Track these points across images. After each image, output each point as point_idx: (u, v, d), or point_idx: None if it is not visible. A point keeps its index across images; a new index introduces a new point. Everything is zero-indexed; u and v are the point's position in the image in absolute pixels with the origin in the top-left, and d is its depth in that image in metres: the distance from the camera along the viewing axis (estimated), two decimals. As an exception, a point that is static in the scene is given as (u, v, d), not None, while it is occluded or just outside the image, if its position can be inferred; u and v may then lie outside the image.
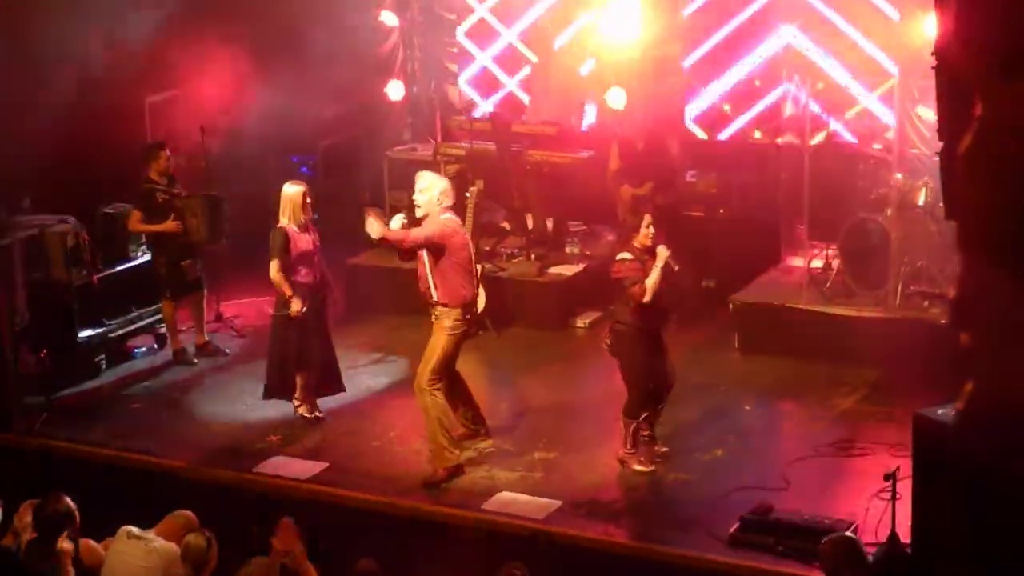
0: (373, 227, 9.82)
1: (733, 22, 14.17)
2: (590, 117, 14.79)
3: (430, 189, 9.99)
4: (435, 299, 9.95)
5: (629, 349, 9.88)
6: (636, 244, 9.79)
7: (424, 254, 9.96)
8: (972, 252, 4.14)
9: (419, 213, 10.03)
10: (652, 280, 9.66)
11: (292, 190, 10.75)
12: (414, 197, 10.07)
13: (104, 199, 12.79)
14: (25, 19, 12.87)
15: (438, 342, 9.98)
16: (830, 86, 13.08)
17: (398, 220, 10.13)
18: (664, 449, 10.07)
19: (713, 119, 14.54)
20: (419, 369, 10.06)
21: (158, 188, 12.13)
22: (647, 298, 9.67)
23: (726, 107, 14.26)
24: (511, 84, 15.38)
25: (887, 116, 12.80)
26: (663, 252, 9.69)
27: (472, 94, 15.78)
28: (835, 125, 12.99)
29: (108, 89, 13.49)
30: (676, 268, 9.76)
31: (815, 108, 12.48)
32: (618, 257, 9.86)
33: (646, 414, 9.92)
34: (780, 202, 12.74)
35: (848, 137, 13.10)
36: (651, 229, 9.74)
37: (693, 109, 14.49)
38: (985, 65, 3.92)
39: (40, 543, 7.70)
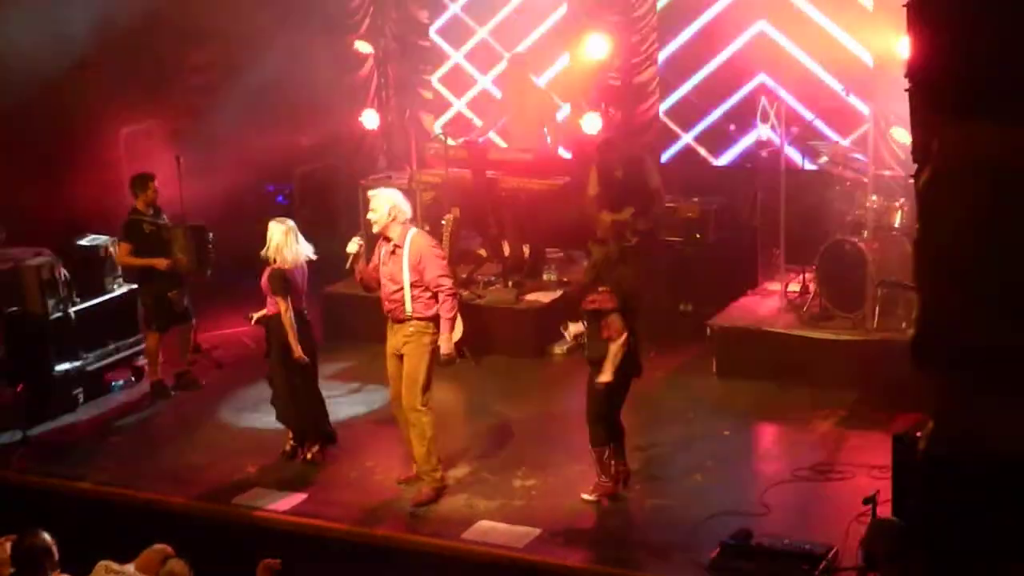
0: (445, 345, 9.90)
1: (708, 67, 14.31)
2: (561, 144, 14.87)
3: (383, 205, 9.87)
4: (410, 314, 9.82)
5: None
6: None
7: (406, 270, 9.82)
8: (929, 288, 4.16)
9: (375, 229, 9.94)
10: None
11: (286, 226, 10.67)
12: (368, 216, 10.00)
13: (80, 231, 12.74)
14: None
15: (421, 361, 9.87)
16: (804, 129, 13.08)
17: (355, 243, 10.11)
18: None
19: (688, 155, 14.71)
20: (406, 392, 9.91)
21: (145, 219, 12.12)
22: None
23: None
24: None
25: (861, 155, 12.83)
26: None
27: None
28: (809, 166, 12.98)
29: (83, 121, 13.50)
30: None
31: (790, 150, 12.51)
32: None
33: None
34: (757, 226, 12.76)
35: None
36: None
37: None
38: (939, 104, 3.95)
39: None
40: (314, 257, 10.80)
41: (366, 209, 14.07)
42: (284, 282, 10.51)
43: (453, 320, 9.96)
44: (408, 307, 9.82)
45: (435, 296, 9.84)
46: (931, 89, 3.94)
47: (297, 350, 10.53)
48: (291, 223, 10.68)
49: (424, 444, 9.92)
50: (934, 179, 3.93)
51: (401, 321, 9.89)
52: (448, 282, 9.93)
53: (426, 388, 9.90)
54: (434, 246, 10.07)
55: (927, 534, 4.21)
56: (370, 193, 10.22)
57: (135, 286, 12.58)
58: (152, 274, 12.13)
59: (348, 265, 10.17)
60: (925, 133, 4.05)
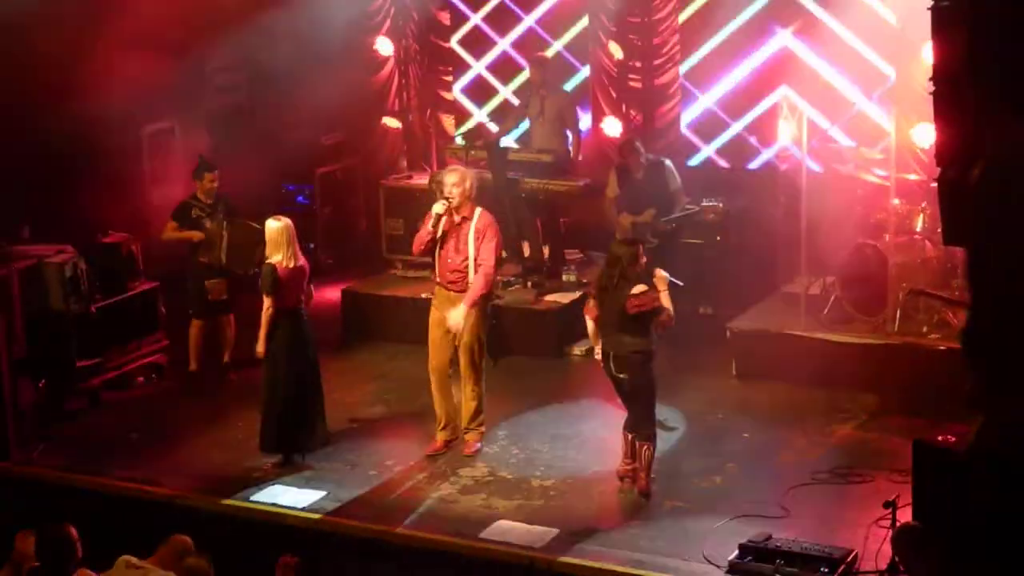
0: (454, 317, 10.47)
1: (733, 74, 14.37)
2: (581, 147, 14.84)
3: (464, 181, 10.57)
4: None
5: (650, 374, 9.91)
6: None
7: (471, 243, 10.48)
8: (983, 283, 4.15)
9: (455, 203, 10.49)
10: (669, 304, 9.80)
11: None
12: (448, 191, 10.50)
13: (103, 229, 12.78)
14: (24, 49, 12.94)
15: (481, 330, 10.60)
16: (826, 141, 13.06)
17: (441, 205, 10.52)
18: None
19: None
20: (465, 358, 10.59)
21: (196, 205, 12.24)
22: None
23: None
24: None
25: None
26: (664, 274, 9.83)
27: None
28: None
29: (105, 119, 13.53)
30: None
31: (812, 164, 12.46)
32: (637, 291, 9.73)
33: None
34: (778, 228, 12.74)
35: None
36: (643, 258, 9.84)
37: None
38: (995, 102, 3.93)
39: (43, 573, 7.67)
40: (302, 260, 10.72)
41: (387, 209, 14.38)
42: (274, 279, 10.48)
43: (479, 297, 10.46)
44: (472, 278, 10.49)
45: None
46: (985, 86, 3.92)
47: (261, 347, 10.61)
48: (287, 221, 10.65)
49: (480, 403, 10.71)
50: (989, 175, 3.92)
51: (462, 292, 10.50)
52: (493, 263, 10.56)
53: (483, 355, 10.69)
54: (499, 228, 10.72)
55: (968, 531, 4.21)
56: (451, 168, 11.21)
57: (157, 284, 12.63)
58: (195, 260, 12.26)
59: (431, 224, 10.52)
60: (964, 127, 4.04)
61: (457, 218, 10.55)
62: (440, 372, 10.72)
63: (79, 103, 13.28)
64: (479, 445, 10.79)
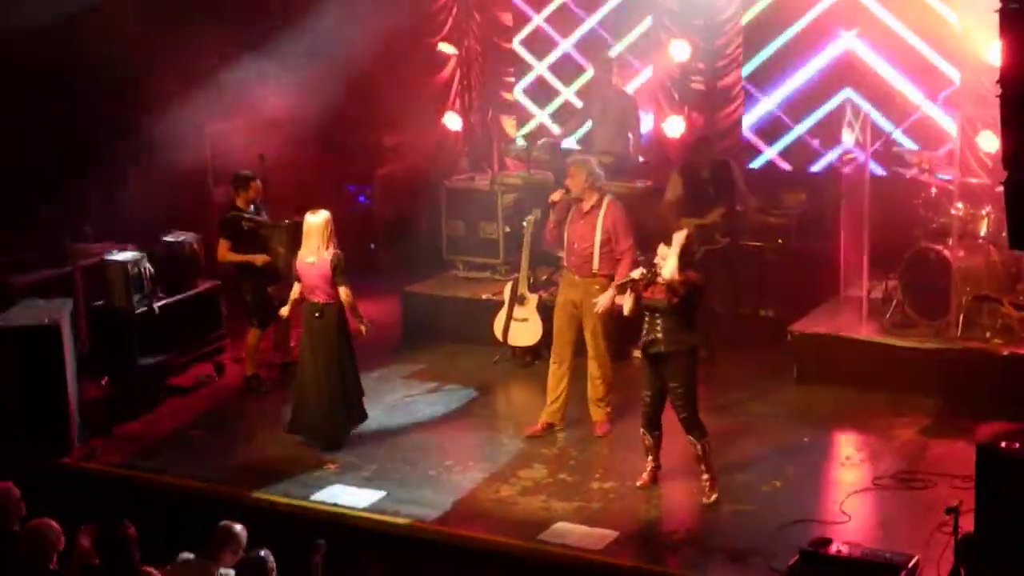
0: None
1: (796, 76, 14.28)
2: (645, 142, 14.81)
3: (580, 172, 10.85)
4: (596, 270, 10.82)
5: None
6: None
7: (599, 230, 10.79)
8: None
9: (573, 194, 10.88)
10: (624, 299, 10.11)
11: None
12: (567, 181, 10.93)
13: (165, 228, 12.87)
14: (85, 45, 13.08)
15: (605, 314, 10.75)
16: (890, 144, 12.99)
17: (557, 193, 11.03)
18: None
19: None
20: (593, 343, 10.92)
21: (244, 216, 12.24)
22: None
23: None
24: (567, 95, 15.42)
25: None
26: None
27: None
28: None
29: (169, 118, 13.65)
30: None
31: (875, 167, 12.39)
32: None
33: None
34: (840, 231, 12.65)
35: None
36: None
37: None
38: None
39: (103, 568, 7.73)
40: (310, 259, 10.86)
41: (449, 211, 14.40)
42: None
43: (623, 285, 10.53)
44: (595, 264, 10.83)
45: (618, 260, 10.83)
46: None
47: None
48: (327, 215, 10.82)
49: (607, 384, 11.04)
50: None
51: (586, 276, 10.88)
52: (633, 246, 10.86)
53: (608, 338, 10.96)
54: (629, 215, 11.02)
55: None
56: (568, 160, 11.29)
57: (218, 282, 12.69)
58: (252, 270, 12.25)
59: (552, 212, 11.06)
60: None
61: (586, 207, 10.85)
62: (561, 356, 11.07)
63: (144, 103, 13.41)
64: (609, 426, 11.05)
